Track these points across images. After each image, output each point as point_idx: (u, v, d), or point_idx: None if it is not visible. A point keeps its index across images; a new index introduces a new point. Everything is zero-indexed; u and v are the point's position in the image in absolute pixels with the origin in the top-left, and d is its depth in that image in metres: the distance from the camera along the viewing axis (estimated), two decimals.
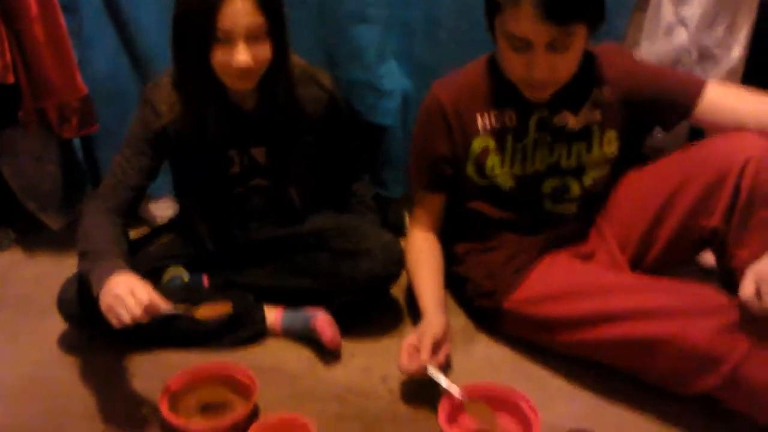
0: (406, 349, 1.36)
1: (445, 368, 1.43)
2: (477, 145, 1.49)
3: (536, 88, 1.39)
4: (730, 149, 1.34)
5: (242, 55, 1.34)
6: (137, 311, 1.20)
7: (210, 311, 1.33)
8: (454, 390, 1.29)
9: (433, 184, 1.57)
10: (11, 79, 1.71)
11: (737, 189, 1.32)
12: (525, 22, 1.27)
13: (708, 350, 1.20)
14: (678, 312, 1.24)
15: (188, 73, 1.42)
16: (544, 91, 1.40)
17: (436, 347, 1.36)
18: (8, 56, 1.69)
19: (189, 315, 1.31)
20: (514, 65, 1.36)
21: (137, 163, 1.48)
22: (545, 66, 1.31)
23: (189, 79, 1.43)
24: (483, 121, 1.48)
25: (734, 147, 1.34)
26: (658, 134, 1.73)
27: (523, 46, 1.30)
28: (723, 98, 1.41)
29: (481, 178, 1.52)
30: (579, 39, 1.31)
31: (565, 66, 1.35)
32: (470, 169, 1.51)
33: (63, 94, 1.77)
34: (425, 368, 1.32)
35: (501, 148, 1.48)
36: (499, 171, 1.49)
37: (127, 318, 1.21)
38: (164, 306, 1.25)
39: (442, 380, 1.30)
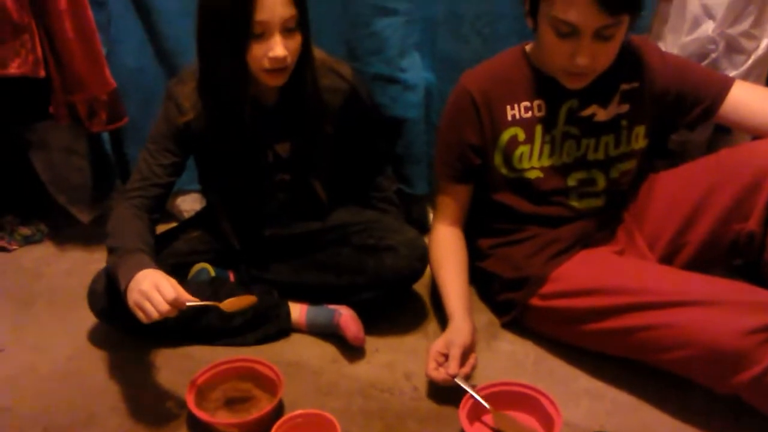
0: (434, 357, 1.36)
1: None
2: (506, 135, 1.49)
3: (576, 76, 1.38)
4: (766, 153, 1.33)
5: (279, 48, 1.34)
6: (164, 307, 1.22)
7: (236, 303, 1.34)
8: (482, 401, 1.29)
9: (459, 174, 1.57)
10: (42, 74, 1.73)
11: None
12: (577, 8, 1.26)
13: (740, 348, 1.17)
14: (711, 303, 1.22)
15: (218, 72, 1.41)
16: (583, 80, 1.39)
17: (464, 358, 1.36)
18: (39, 51, 1.72)
19: (215, 307, 1.32)
20: (556, 52, 1.35)
21: (162, 159, 1.50)
22: (589, 54, 1.31)
23: (218, 79, 1.42)
24: (513, 112, 1.48)
25: None
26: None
27: (570, 32, 1.29)
28: (749, 97, 1.40)
29: (508, 170, 1.51)
30: (623, 29, 1.31)
31: (606, 55, 1.35)
32: (497, 160, 1.51)
33: (92, 88, 1.79)
34: (453, 379, 1.33)
35: (530, 138, 1.48)
36: (527, 162, 1.49)
37: (154, 314, 1.22)
38: (190, 300, 1.26)
39: (470, 391, 1.30)
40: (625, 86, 1.46)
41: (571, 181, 1.50)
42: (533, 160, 1.49)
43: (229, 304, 1.33)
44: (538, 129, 1.48)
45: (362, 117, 1.64)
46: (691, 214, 1.43)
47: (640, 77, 1.46)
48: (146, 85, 1.94)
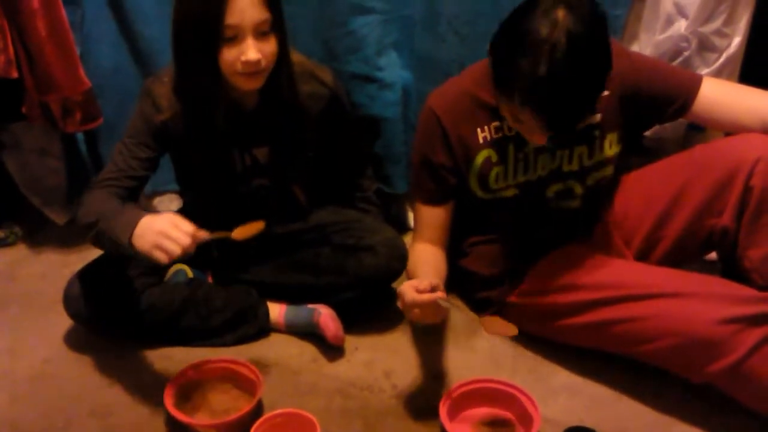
0: (409, 285, 1.24)
1: (446, 361, 1.45)
2: (480, 158, 1.46)
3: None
4: (739, 148, 1.35)
5: (252, 52, 1.32)
6: (186, 240, 1.19)
7: (246, 231, 1.33)
8: (465, 311, 1.26)
9: (436, 195, 1.52)
10: (15, 74, 1.71)
11: (747, 188, 1.32)
12: (531, 123, 1.26)
13: (715, 337, 1.20)
14: (687, 294, 1.25)
15: (192, 75, 1.40)
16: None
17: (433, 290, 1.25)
18: (11, 51, 1.69)
19: (226, 237, 1.30)
20: (509, 122, 1.36)
21: (139, 153, 1.46)
22: (544, 139, 1.32)
23: (192, 82, 1.41)
24: (483, 134, 1.45)
25: (743, 146, 1.34)
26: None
27: (523, 123, 1.29)
28: (719, 94, 1.41)
29: (484, 192, 1.49)
30: None
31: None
32: (473, 183, 1.49)
33: (66, 89, 1.77)
34: (434, 300, 1.20)
35: (503, 158, 1.45)
36: (503, 181, 1.47)
37: (177, 251, 1.19)
38: (205, 234, 1.24)
39: (451, 306, 1.24)
40: None
41: (549, 193, 1.49)
42: (509, 178, 1.47)
43: (239, 232, 1.32)
44: (511, 148, 1.45)
45: (342, 121, 1.63)
46: (666, 210, 1.44)
47: (610, 84, 1.44)
48: (122, 85, 1.91)
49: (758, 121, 1.36)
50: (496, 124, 1.44)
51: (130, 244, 1.24)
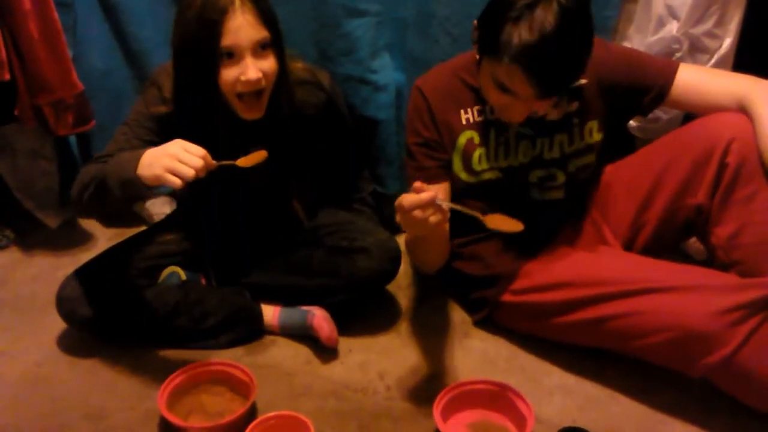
0: (405, 195, 1.22)
1: (440, 362, 1.45)
2: (462, 138, 1.49)
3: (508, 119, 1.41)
4: (715, 128, 1.36)
5: (252, 71, 1.32)
6: (198, 162, 1.19)
7: (250, 159, 1.33)
8: (466, 210, 1.23)
9: (433, 173, 1.51)
10: (7, 77, 1.71)
11: (722, 165, 1.34)
12: (518, 86, 1.27)
13: (711, 329, 1.20)
14: (682, 288, 1.25)
15: (191, 95, 1.40)
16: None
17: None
18: (3, 53, 1.69)
19: (232, 165, 1.30)
20: (492, 98, 1.37)
21: (142, 134, 1.45)
22: (525, 113, 1.34)
23: (191, 101, 1.41)
24: (466, 116, 1.48)
25: (719, 126, 1.36)
26: (651, 124, 1.74)
27: (508, 91, 1.30)
28: (696, 79, 1.43)
29: (468, 174, 1.50)
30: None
31: (542, 110, 1.39)
32: (457, 164, 1.50)
33: (58, 91, 1.77)
34: (433, 199, 1.16)
35: (485, 141, 1.48)
36: (486, 162, 1.49)
37: (190, 173, 1.19)
38: (213, 161, 1.24)
39: (452, 206, 1.24)
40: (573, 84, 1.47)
41: (532, 179, 1.51)
42: (491, 160, 1.49)
43: (244, 161, 1.32)
44: (492, 131, 1.48)
45: (339, 124, 1.64)
46: (648, 194, 1.46)
47: (588, 74, 1.44)
48: (114, 86, 1.92)
49: (735, 102, 1.37)
50: (479, 107, 1.48)
51: (137, 176, 1.24)
